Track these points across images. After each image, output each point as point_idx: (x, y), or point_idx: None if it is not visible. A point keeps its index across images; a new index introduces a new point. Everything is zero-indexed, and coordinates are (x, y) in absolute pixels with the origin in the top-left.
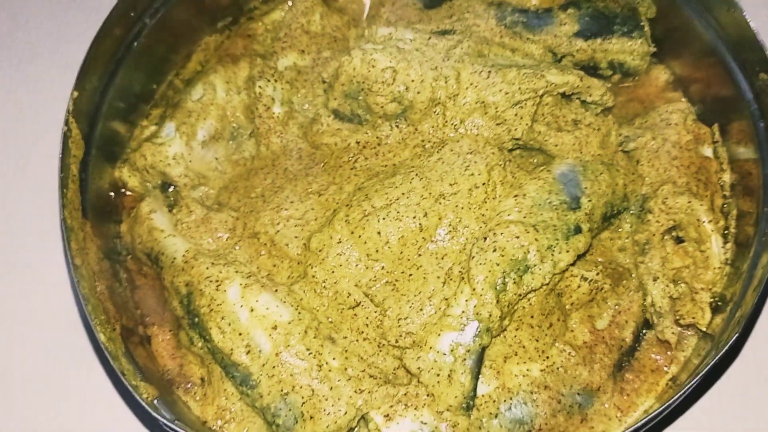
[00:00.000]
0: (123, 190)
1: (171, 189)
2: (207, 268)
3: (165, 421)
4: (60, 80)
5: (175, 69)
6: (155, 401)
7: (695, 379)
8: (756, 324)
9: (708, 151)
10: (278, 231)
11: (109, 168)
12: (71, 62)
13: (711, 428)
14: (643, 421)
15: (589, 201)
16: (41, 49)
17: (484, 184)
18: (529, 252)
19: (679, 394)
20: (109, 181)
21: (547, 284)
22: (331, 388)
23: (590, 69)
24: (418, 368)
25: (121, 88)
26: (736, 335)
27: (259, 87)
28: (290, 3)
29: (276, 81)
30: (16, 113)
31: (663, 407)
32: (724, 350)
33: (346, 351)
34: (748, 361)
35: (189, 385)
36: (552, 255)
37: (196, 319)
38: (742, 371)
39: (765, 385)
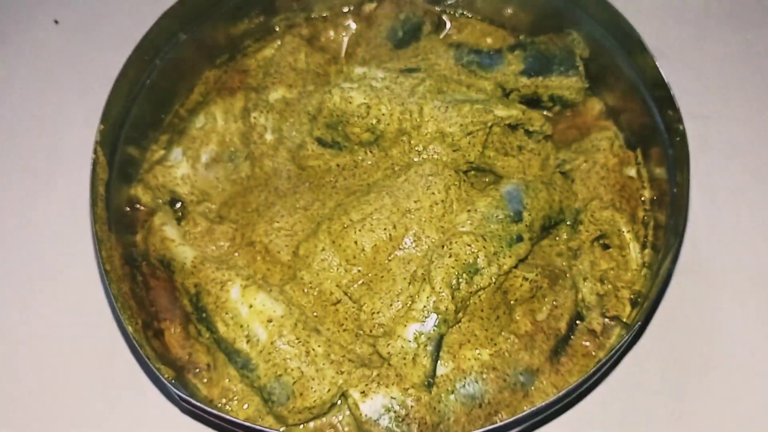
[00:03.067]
0: (137, 205)
1: (178, 204)
2: (212, 272)
3: (184, 395)
4: (83, 109)
5: (180, 100)
6: (173, 381)
7: (610, 355)
8: (661, 312)
9: (632, 172)
10: (271, 240)
11: (126, 187)
12: (92, 92)
13: (625, 392)
14: (567, 390)
15: (529, 215)
16: (66, 81)
17: (443, 201)
18: (478, 257)
19: (597, 366)
20: (126, 198)
21: (494, 283)
22: (317, 370)
23: (534, 101)
24: (389, 353)
25: (135, 119)
26: (640, 321)
27: (254, 117)
28: (279, 42)
29: (268, 112)
30: (44, 138)
31: (585, 377)
32: (632, 333)
33: (329, 340)
34: (649, 342)
35: (197, 370)
36: (497, 259)
37: (204, 314)
38: (644, 349)
39: (661, 359)
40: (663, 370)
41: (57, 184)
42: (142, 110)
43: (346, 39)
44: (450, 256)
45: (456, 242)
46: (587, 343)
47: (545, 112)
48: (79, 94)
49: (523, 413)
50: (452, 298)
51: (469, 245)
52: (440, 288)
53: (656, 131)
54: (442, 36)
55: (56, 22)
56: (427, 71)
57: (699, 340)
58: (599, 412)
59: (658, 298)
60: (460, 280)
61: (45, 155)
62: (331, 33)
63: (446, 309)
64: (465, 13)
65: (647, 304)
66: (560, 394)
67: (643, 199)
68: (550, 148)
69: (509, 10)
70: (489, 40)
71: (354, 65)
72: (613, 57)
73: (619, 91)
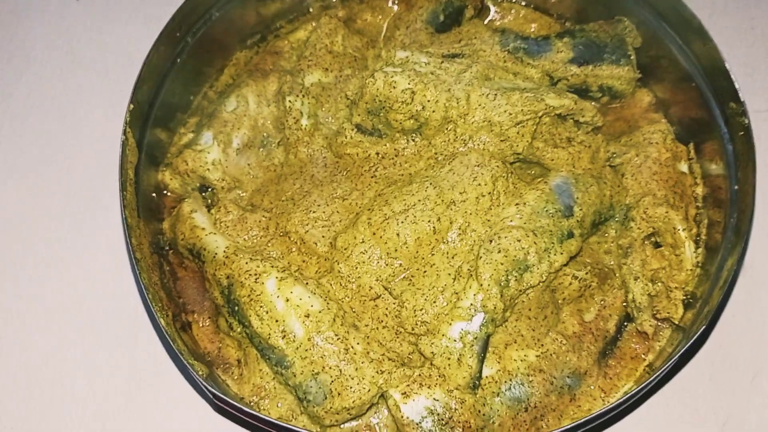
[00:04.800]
0: (164, 191)
1: (208, 191)
2: (246, 263)
3: (218, 393)
4: (104, 87)
5: (210, 81)
6: (206, 379)
7: (668, 365)
8: (720, 318)
9: (684, 167)
10: (307, 231)
11: (153, 171)
12: (114, 70)
13: (679, 406)
14: (622, 400)
15: (581, 210)
16: (87, 59)
17: (489, 193)
18: (529, 254)
19: (653, 377)
20: (153, 183)
21: (544, 281)
22: (356, 369)
23: (582, 91)
24: (432, 352)
25: (165, 99)
26: (703, 327)
27: (289, 101)
28: (313, 24)
29: (304, 96)
30: (65, 118)
31: (640, 388)
32: (692, 340)
33: (368, 337)
34: (712, 350)
35: (227, 366)
36: (548, 256)
37: (236, 308)
38: (707, 358)
39: (726, 370)
40: (712, 376)
41: (79, 165)
42: (172, 90)
43: (384, 22)
44: (499, 252)
45: (505, 237)
46: (636, 346)
47: (592, 103)
48: (101, 72)
49: (572, 423)
50: (501, 296)
51: (519, 240)
52: (489, 285)
53: (712, 125)
54: (485, 21)
55: None
56: (472, 57)
57: (750, 345)
58: (649, 420)
59: (723, 302)
60: (510, 277)
61: (66, 136)
62: (368, 16)
63: (494, 307)
64: None
65: (709, 309)
66: (613, 404)
67: (695, 195)
68: (600, 140)
69: None
70: (533, 27)
71: (395, 49)
72: (667, 46)
73: (670, 83)
